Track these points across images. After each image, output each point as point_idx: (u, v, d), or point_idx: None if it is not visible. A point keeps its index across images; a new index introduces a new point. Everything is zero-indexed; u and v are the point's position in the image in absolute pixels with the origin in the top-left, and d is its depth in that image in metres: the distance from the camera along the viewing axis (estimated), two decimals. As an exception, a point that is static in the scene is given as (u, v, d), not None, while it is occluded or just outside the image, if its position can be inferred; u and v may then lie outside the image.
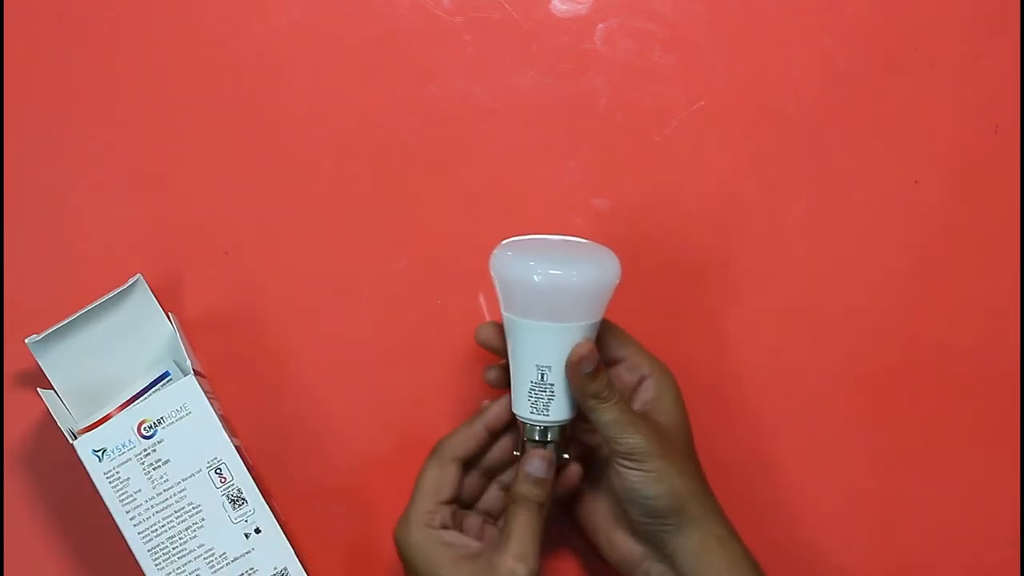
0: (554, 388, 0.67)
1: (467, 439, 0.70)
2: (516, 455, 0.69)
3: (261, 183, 0.76)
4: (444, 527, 0.68)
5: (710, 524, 0.67)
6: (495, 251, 0.68)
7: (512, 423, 0.70)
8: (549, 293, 0.65)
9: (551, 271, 0.66)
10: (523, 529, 0.66)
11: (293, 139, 0.76)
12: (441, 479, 0.68)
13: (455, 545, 0.67)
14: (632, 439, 0.66)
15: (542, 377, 0.67)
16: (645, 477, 0.66)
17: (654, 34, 0.77)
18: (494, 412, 0.70)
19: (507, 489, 0.71)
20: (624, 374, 0.70)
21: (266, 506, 0.69)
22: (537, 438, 0.68)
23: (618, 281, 0.67)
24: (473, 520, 0.71)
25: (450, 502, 0.69)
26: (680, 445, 0.68)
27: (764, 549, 0.74)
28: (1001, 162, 0.77)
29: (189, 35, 0.76)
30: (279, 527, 0.69)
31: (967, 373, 0.77)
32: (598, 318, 0.67)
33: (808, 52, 0.77)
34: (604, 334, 0.69)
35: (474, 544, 0.68)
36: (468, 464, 0.70)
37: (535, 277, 0.65)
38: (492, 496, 0.72)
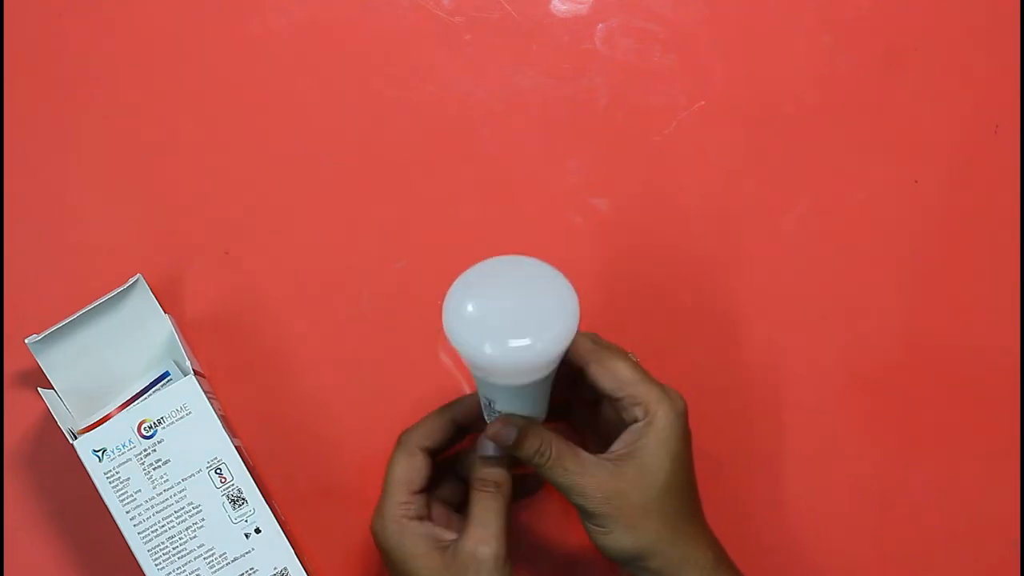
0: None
1: (432, 431, 0.69)
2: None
3: (261, 183, 0.76)
4: (419, 518, 0.68)
5: (688, 565, 0.65)
6: (446, 311, 0.61)
7: (479, 420, 0.70)
8: (502, 365, 0.60)
9: (510, 343, 0.59)
10: (483, 512, 0.66)
11: (293, 139, 0.76)
12: (410, 469, 0.68)
13: (428, 536, 0.67)
14: (578, 499, 0.65)
15: (490, 405, 0.66)
16: (597, 532, 0.65)
17: (654, 34, 0.77)
18: (464, 406, 0.70)
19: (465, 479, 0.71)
20: (618, 411, 0.67)
21: (266, 506, 0.69)
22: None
23: (578, 322, 0.61)
24: (443, 508, 0.71)
25: (421, 491, 0.68)
26: (653, 492, 0.65)
27: (764, 548, 0.74)
28: (1001, 162, 0.77)
29: (189, 35, 0.76)
30: (279, 527, 0.69)
31: (967, 373, 0.77)
32: (552, 369, 0.63)
33: (808, 52, 0.77)
34: (600, 366, 0.66)
35: (448, 534, 0.68)
36: (436, 454, 0.70)
37: (487, 349, 0.59)
38: (452, 485, 0.72)
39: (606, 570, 0.75)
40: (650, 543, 0.65)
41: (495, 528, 0.66)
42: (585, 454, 0.65)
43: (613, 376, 0.66)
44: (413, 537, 0.67)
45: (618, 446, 0.66)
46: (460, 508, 0.71)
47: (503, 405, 0.65)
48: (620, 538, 0.64)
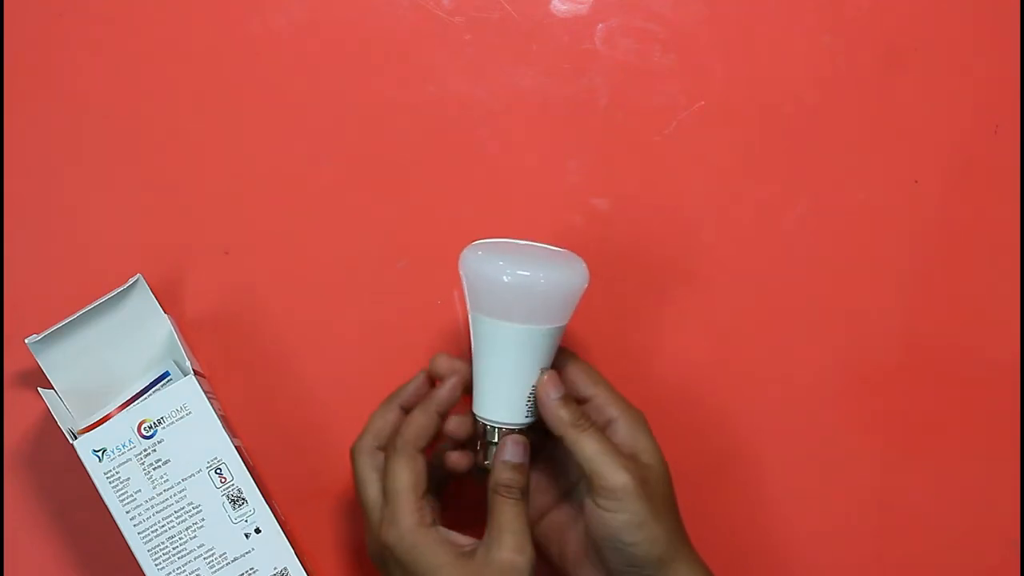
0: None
1: (425, 428, 0.68)
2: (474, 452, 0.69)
3: (261, 183, 0.76)
4: (433, 523, 0.66)
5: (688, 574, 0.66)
6: (465, 251, 0.68)
7: (460, 406, 0.70)
8: (518, 292, 0.66)
9: (519, 272, 0.66)
10: (512, 520, 0.65)
11: (293, 139, 0.76)
12: (415, 474, 0.67)
13: (448, 543, 0.66)
14: (617, 476, 0.64)
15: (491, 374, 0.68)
16: (626, 521, 0.64)
17: (654, 34, 0.77)
18: (445, 396, 0.69)
19: (437, 466, 0.70)
20: (591, 414, 0.68)
21: (266, 506, 0.69)
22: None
23: (586, 286, 0.67)
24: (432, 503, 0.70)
25: (425, 494, 0.67)
26: (660, 489, 0.66)
27: (763, 548, 0.74)
28: (1001, 162, 0.77)
29: (189, 35, 0.76)
30: (279, 527, 0.69)
31: (967, 373, 0.77)
32: (564, 322, 0.67)
33: (808, 52, 0.77)
34: (570, 371, 0.69)
35: (461, 539, 0.67)
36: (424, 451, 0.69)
37: (504, 277, 0.65)
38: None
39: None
40: (673, 537, 0.65)
41: (526, 535, 0.65)
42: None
43: (586, 379, 0.68)
44: (434, 546, 0.65)
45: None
46: (439, 497, 0.70)
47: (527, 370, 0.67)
48: (655, 529, 0.64)
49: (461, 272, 0.67)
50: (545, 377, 0.67)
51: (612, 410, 0.68)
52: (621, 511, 0.64)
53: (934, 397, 0.77)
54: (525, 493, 0.66)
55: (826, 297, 0.77)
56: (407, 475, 0.66)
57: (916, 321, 0.77)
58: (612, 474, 0.64)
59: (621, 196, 0.77)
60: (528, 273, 0.66)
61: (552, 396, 0.66)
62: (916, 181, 0.77)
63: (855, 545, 0.76)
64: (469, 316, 0.68)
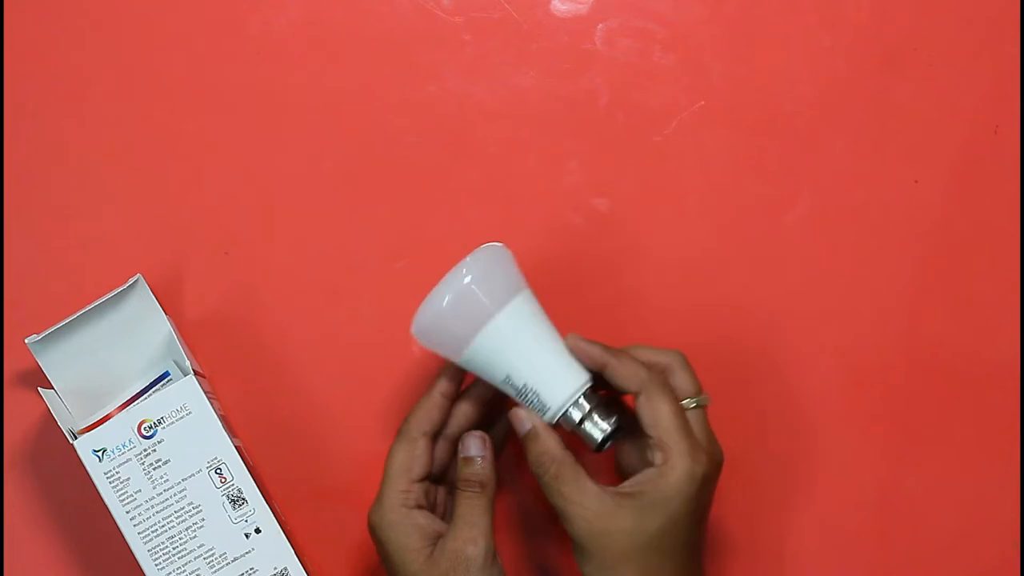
0: (529, 387, 0.67)
1: (428, 412, 0.69)
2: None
3: (261, 183, 0.76)
4: (419, 506, 0.68)
5: None
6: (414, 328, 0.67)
7: (463, 385, 0.70)
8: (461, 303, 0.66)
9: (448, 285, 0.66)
10: (468, 512, 0.66)
11: (293, 139, 0.76)
12: (411, 457, 0.68)
13: (425, 528, 0.67)
14: (563, 524, 0.65)
15: (507, 379, 0.67)
16: (576, 554, 0.65)
17: (654, 34, 0.77)
18: (446, 381, 0.70)
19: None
20: (647, 447, 0.66)
21: (266, 506, 0.69)
22: (568, 427, 0.67)
23: (498, 249, 0.67)
24: (442, 494, 0.71)
25: (422, 479, 0.68)
26: (638, 542, 0.64)
27: (762, 548, 0.74)
28: (1001, 162, 0.77)
29: (188, 35, 0.76)
30: (279, 527, 0.69)
31: (967, 372, 0.77)
32: (517, 291, 0.67)
33: (808, 52, 0.77)
34: (646, 401, 0.66)
35: (444, 527, 0.68)
36: (436, 437, 0.70)
37: (443, 303, 0.66)
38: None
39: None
40: None
41: (482, 527, 0.66)
42: (589, 483, 0.65)
43: (652, 414, 0.65)
44: (409, 528, 0.67)
45: (628, 484, 0.65)
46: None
47: (515, 376, 0.66)
48: (591, 572, 0.65)
49: (427, 345, 0.68)
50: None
51: (658, 456, 0.66)
52: (583, 562, 0.65)
53: (934, 397, 0.77)
54: (485, 486, 0.67)
55: (826, 297, 0.77)
56: (400, 457, 0.68)
57: (916, 321, 0.77)
58: (563, 519, 0.65)
59: (621, 196, 0.77)
60: (444, 287, 0.66)
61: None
62: (916, 181, 0.77)
63: (855, 545, 0.76)
64: (464, 360, 0.67)
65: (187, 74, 0.76)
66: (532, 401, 0.67)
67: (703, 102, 0.77)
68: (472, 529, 0.66)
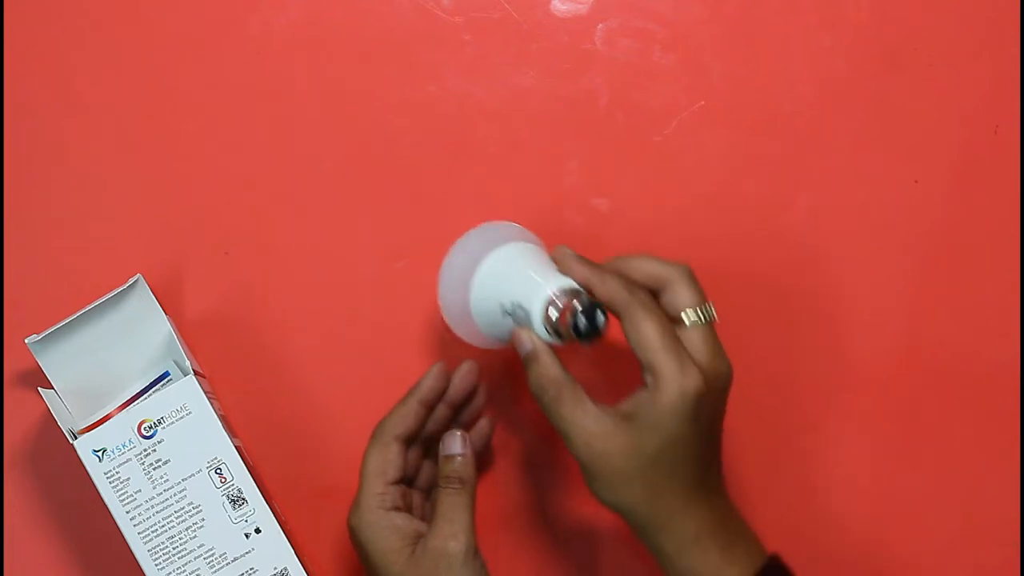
0: (517, 303, 0.67)
1: (403, 417, 0.70)
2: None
3: (261, 183, 0.76)
4: (396, 508, 0.68)
5: (664, 533, 0.65)
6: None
7: (442, 396, 0.71)
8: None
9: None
10: (449, 509, 0.67)
11: (293, 139, 0.76)
12: (384, 460, 0.69)
13: (403, 528, 0.67)
14: (566, 445, 0.65)
15: (506, 308, 0.67)
16: (583, 476, 0.65)
17: (654, 34, 0.77)
18: (427, 386, 0.70)
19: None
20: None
21: (266, 506, 0.69)
22: (558, 334, 0.66)
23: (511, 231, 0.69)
24: (418, 498, 0.72)
25: (398, 482, 0.69)
26: (639, 462, 0.64)
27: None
28: (1001, 162, 0.77)
29: (188, 35, 0.76)
30: (279, 527, 0.69)
31: (967, 373, 0.77)
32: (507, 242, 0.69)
33: (808, 52, 0.77)
34: (629, 323, 0.65)
35: (423, 526, 0.68)
36: (410, 442, 0.70)
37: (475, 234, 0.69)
38: (429, 472, 0.73)
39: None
40: (626, 505, 0.65)
41: (463, 523, 0.67)
42: (589, 404, 0.64)
43: (636, 336, 0.64)
44: (387, 530, 0.67)
45: (626, 404, 0.65)
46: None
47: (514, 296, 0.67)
48: (598, 491, 0.65)
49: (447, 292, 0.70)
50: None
51: (648, 376, 0.65)
52: (589, 480, 0.65)
53: (934, 397, 0.77)
54: (465, 483, 0.68)
55: (826, 297, 0.77)
56: (374, 461, 0.69)
57: (916, 321, 0.77)
58: (569, 445, 0.65)
59: (621, 196, 0.77)
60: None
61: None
62: (916, 181, 0.77)
63: (855, 545, 0.76)
64: (472, 304, 0.68)
65: (187, 74, 0.76)
66: (521, 317, 0.66)
67: (703, 102, 0.77)
68: (453, 525, 0.66)
